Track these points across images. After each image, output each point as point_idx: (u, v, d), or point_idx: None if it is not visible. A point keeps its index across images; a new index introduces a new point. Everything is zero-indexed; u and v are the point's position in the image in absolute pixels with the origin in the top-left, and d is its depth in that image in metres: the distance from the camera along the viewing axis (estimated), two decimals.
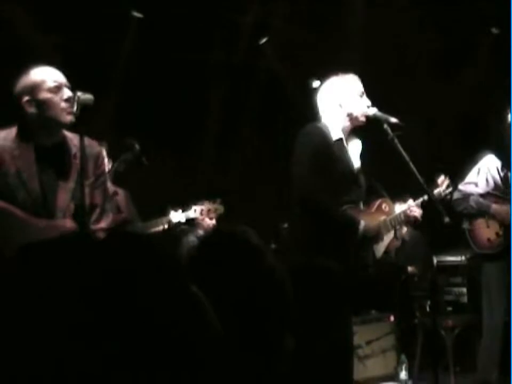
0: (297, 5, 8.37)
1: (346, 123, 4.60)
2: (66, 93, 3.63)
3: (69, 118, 3.63)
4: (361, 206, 4.66)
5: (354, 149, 4.67)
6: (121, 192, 6.33)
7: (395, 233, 4.83)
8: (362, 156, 4.68)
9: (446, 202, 5.23)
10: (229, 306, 1.60)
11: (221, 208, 6.58)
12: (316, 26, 8.35)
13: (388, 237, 4.70)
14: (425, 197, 4.72)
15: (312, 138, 4.48)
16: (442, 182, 5.10)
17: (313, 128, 4.56)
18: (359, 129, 4.68)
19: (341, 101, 4.56)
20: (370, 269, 4.61)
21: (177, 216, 6.19)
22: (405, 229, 7.30)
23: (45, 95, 3.63)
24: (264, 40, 8.36)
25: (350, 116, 4.58)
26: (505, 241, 5.54)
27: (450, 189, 5.15)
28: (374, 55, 8.19)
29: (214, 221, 7.32)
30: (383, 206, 4.73)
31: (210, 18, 8.13)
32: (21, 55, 6.91)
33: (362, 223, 4.45)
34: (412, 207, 4.73)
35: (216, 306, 1.44)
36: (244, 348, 1.60)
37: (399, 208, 4.81)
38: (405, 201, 4.85)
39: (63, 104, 3.61)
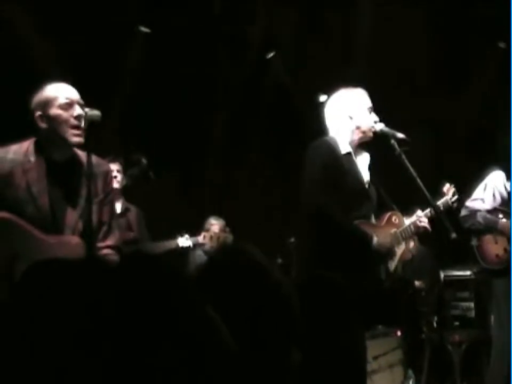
0: (303, 17, 8.39)
1: (355, 137, 4.61)
2: (77, 110, 3.65)
3: (76, 140, 3.66)
4: (373, 219, 4.66)
5: (363, 162, 4.68)
6: (133, 209, 6.35)
7: (407, 245, 4.81)
8: (371, 168, 4.69)
9: (454, 217, 5.23)
10: (236, 323, 1.61)
11: (230, 237, 6.61)
12: (323, 39, 8.37)
13: (400, 249, 4.69)
14: (433, 210, 4.71)
15: (320, 152, 4.48)
16: (448, 190, 5.08)
17: (322, 142, 4.57)
18: (366, 144, 4.69)
19: (350, 114, 4.58)
20: (385, 283, 4.61)
21: (184, 241, 6.23)
22: (412, 244, 7.29)
23: (55, 111, 3.65)
24: (271, 54, 8.38)
25: (358, 129, 4.59)
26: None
27: (456, 197, 5.13)
28: (380, 68, 8.21)
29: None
30: (393, 218, 4.72)
31: (217, 32, 8.16)
32: (26, 67, 6.97)
33: (375, 239, 4.45)
34: (420, 217, 4.72)
35: (225, 323, 1.45)
36: (252, 362, 1.61)
37: (408, 220, 4.80)
38: (412, 213, 4.84)
39: (73, 121, 3.63)
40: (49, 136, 3.69)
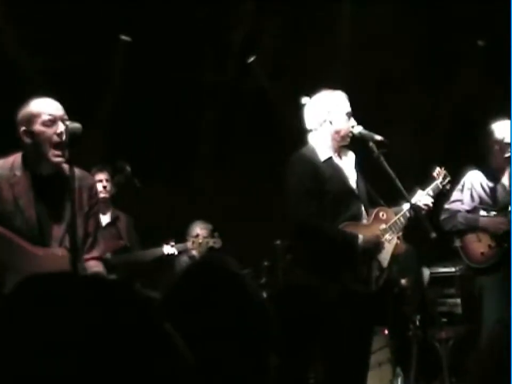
0: (286, 21, 8.43)
1: (334, 141, 4.65)
2: (60, 127, 3.69)
3: (57, 160, 3.71)
4: (365, 217, 4.71)
5: (348, 162, 4.73)
6: (122, 217, 6.38)
7: (400, 238, 4.84)
8: (357, 167, 4.75)
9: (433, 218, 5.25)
10: (215, 331, 1.67)
11: (218, 242, 6.64)
12: (304, 42, 8.41)
13: (391, 244, 4.73)
14: (412, 210, 4.76)
15: (297, 168, 4.57)
16: (439, 174, 5.10)
17: (299, 156, 4.64)
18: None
19: (330, 118, 4.63)
20: (380, 279, 4.64)
21: (169, 249, 6.26)
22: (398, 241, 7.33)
23: (38, 128, 3.70)
24: (252, 58, 8.40)
25: (337, 134, 4.64)
26: (501, 250, 5.57)
27: (448, 179, 5.15)
28: (362, 67, 8.25)
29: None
30: (380, 214, 4.75)
31: (199, 37, 8.18)
32: (10, 80, 6.99)
33: (360, 237, 4.51)
34: (420, 198, 4.78)
35: (204, 332, 1.51)
36: (230, 367, 1.67)
37: (395, 213, 4.83)
38: (400, 205, 4.88)
39: (55, 139, 3.68)
40: (33, 152, 3.74)
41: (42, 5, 7.32)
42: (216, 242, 6.60)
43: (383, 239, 4.64)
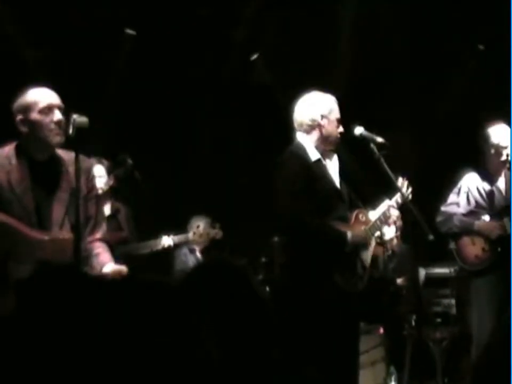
0: (288, 19, 8.46)
1: (322, 144, 4.70)
2: (57, 115, 3.75)
3: (57, 139, 3.76)
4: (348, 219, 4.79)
5: (333, 165, 4.78)
6: (122, 209, 6.41)
7: (379, 240, 4.92)
8: (341, 170, 4.79)
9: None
10: (225, 331, 1.73)
11: (220, 233, 6.67)
12: (305, 41, 8.44)
13: (371, 245, 4.80)
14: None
15: (290, 166, 4.61)
16: (402, 184, 5.08)
17: (289, 155, 4.68)
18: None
19: (323, 122, 4.66)
20: (363, 278, 4.70)
21: (168, 240, 6.26)
22: (395, 241, 7.38)
23: (35, 116, 3.75)
24: (255, 56, 8.43)
25: (326, 139, 4.69)
26: (494, 253, 5.62)
27: (410, 189, 5.09)
28: (361, 70, 8.29)
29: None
30: (360, 216, 4.81)
31: (201, 34, 8.21)
32: (13, 71, 7.02)
33: (349, 234, 4.58)
34: (390, 207, 4.84)
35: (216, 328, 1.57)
36: (240, 360, 1.73)
37: (373, 215, 4.89)
38: (375, 207, 4.93)
39: (52, 126, 3.73)
40: (30, 140, 3.79)
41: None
42: (217, 234, 6.64)
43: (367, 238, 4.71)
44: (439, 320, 7.02)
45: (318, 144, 4.68)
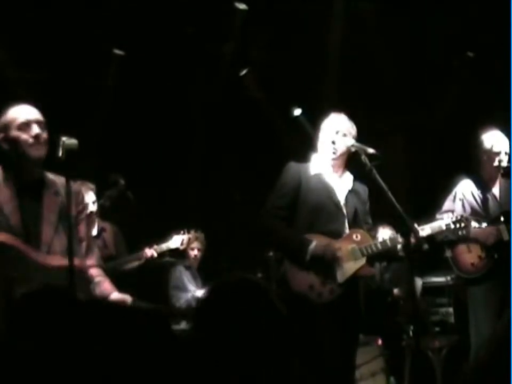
0: (276, 33, 8.48)
1: (333, 159, 4.82)
2: (34, 129, 3.76)
3: (37, 153, 3.76)
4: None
5: (341, 182, 4.85)
6: (109, 227, 6.39)
7: (371, 261, 4.90)
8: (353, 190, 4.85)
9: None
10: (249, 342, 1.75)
11: (201, 236, 6.70)
12: (294, 55, 8.46)
13: (357, 264, 4.76)
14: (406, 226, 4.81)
15: (283, 175, 4.81)
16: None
17: (288, 166, 4.85)
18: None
19: (333, 139, 4.79)
20: (333, 292, 4.67)
21: (150, 251, 6.27)
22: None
23: (14, 133, 3.77)
24: (244, 71, 8.45)
25: (335, 153, 4.80)
26: (491, 260, 5.61)
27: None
28: (352, 82, 8.32)
29: (196, 252, 7.53)
30: (354, 235, 4.81)
31: (189, 51, 8.23)
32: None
33: (313, 243, 4.61)
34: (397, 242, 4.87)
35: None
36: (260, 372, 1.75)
37: (381, 234, 4.90)
38: (384, 227, 4.94)
39: (31, 141, 3.74)
40: (12, 157, 3.79)
41: (36, 17, 7.37)
42: (198, 236, 6.71)
43: (339, 254, 4.67)
44: (437, 329, 7.01)
45: (330, 158, 4.83)
